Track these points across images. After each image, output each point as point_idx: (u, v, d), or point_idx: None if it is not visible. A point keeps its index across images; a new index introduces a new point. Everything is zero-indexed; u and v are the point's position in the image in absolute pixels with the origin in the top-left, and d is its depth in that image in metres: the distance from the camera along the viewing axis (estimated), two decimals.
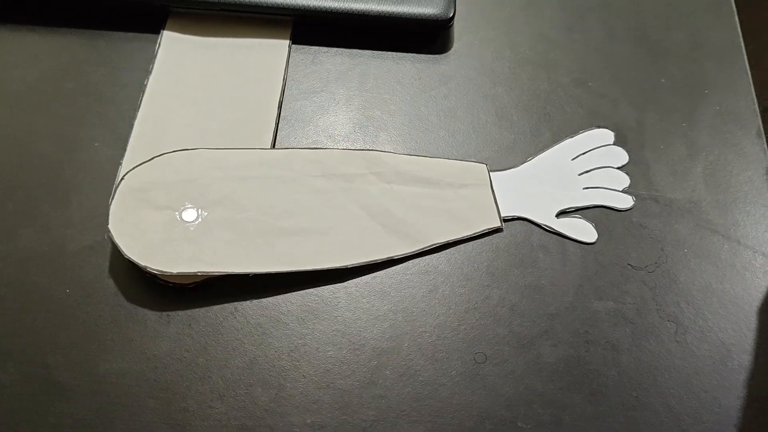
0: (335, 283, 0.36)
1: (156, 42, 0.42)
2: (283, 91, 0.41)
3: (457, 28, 0.45)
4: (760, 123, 0.42)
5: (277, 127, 0.40)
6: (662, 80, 0.43)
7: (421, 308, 0.35)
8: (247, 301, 0.35)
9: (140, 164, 0.36)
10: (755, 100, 0.43)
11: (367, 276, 0.36)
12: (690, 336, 0.35)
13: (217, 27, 0.43)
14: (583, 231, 0.38)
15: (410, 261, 0.36)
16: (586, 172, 0.40)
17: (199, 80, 0.41)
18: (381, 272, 0.36)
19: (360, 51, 0.43)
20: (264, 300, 0.35)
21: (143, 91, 0.40)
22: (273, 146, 0.39)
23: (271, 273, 0.34)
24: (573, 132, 0.41)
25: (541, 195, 0.39)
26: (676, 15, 0.46)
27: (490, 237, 0.37)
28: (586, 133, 0.41)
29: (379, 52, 0.43)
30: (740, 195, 0.40)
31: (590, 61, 0.44)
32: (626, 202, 0.39)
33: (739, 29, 0.46)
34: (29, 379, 0.32)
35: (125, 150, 0.38)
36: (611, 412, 0.33)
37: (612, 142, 0.41)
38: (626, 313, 0.36)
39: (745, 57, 0.45)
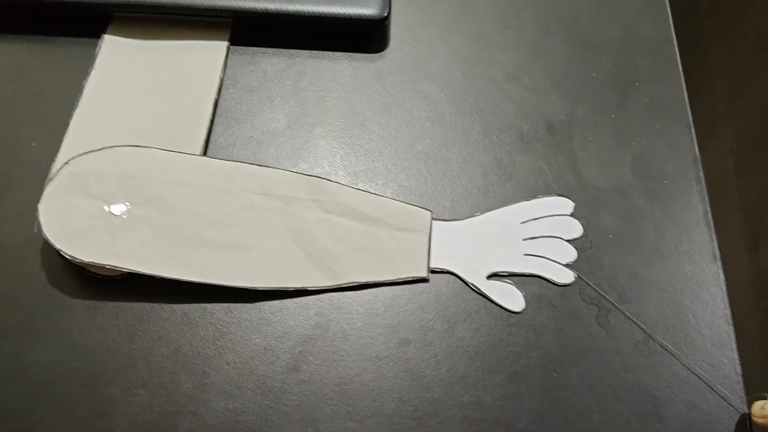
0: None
1: (96, 45, 0.43)
2: (219, 90, 0.42)
3: (394, 28, 0.46)
4: (689, 114, 0.43)
5: (212, 124, 0.41)
6: (593, 74, 0.44)
7: (349, 296, 0.36)
8: (175, 292, 0.35)
9: (87, 152, 0.37)
10: (685, 92, 0.44)
11: None
12: (612, 318, 0.36)
13: (158, 30, 0.44)
14: (510, 298, 0.36)
15: None
16: (533, 238, 0.38)
17: (138, 81, 0.42)
18: None
19: (297, 51, 0.44)
20: (191, 290, 0.35)
21: (80, 92, 0.41)
22: (206, 143, 0.40)
23: (181, 281, 0.34)
24: (528, 195, 0.40)
25: (478, 253, 0.37)
26: (610, 11, 0.47)
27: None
28: (544, 198, 0.39)
29: (317, 51, 0.44)
30: (668, 183, 0.41)
31: (524, 58, 0.45)
32: (566, 277, 0.37)
33: (671, 23, 0.47)
34: None
35: (59, 149, 0.38)
36: (532, 392, 0.34)
37: (569, 213, 0.39)
38: (549, 297, 0.36)
39: (677, 50, 0.46)
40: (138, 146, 0.38)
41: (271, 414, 0.33)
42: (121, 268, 0.34)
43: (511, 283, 0.37)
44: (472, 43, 0.45)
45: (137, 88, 0.41)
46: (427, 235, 0.38)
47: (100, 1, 0.42)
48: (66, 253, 0.34)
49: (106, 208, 0.35)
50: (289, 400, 0.33)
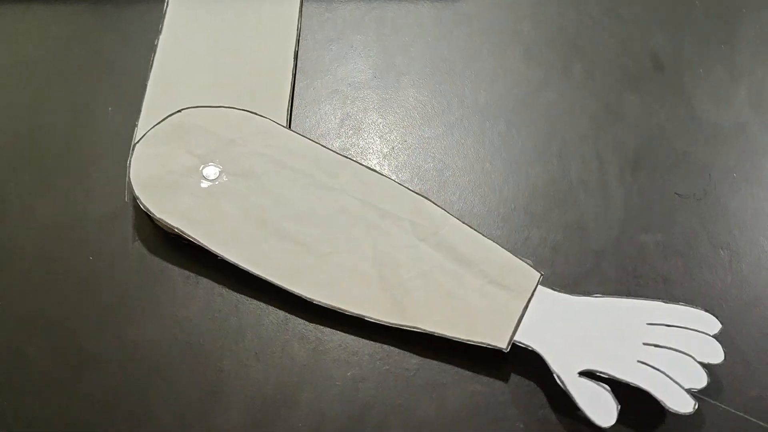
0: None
1: (164, 1, 0.40)
2: (297, 41, 0.39)
3: None
4: None
5: (295, 78, 0.38)
6: (696, 2, 0.41)
7: None
8: None
9: (203, 106, 0.35)
10: None
11: None
12: (745, 264, 0.33)
13: None
14: (601, 407, 0.28)
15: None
16: (656, 346, 0.30)
17: (211, 36, 0.39)
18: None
19: None
20: None
21: (154, 52, 0.38)
22: (291, 99, 0.37)
23: (245, 270, 0.32)
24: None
25: (580, 340, 0.30)
26: None
27: (522, 170, 0.36)
28: (686, 307, 0.31)
29: None
30: None
31: None
32: (685, 405, 0.28)
33: None
34: (57, 351, 0.31)
35: (140, 113, 0.36)
36: None
37: (713, 334, 0.30)
38: (676, 244, 0.34)
39: None
40: (255, 114, 0.35)
41: (392, 380, 0.31)
42: (189, 236, 0.32)
43: (607, 390, 0.29)
44: None
45: (212, 43, 0.39)
46: (526, 300, 0.31)
47: None
48: (142, 202, 0.32)
49: (200, 167, 0.33)
50: (409, 364, 0.31)
